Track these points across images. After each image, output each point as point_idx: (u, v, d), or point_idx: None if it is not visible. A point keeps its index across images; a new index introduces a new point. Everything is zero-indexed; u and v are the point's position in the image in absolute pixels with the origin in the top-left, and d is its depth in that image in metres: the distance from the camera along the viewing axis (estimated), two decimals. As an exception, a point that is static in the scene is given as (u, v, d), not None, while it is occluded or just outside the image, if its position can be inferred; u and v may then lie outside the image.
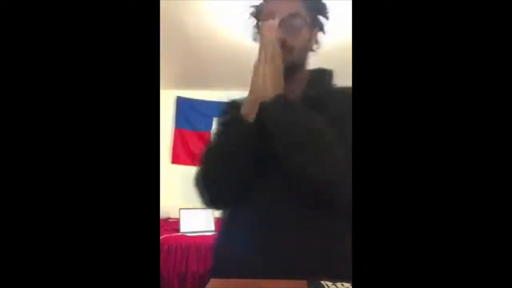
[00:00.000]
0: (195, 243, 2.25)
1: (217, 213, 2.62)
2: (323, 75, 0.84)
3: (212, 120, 3.35)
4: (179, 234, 2.43)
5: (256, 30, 0.84)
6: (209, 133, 3.31)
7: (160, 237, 2.23)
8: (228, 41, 2.51)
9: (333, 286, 0.61)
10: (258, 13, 0.82)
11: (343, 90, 0.80)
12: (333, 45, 2.56)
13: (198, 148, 3.26)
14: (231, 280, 0.68)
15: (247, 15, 0.85)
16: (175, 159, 3.24)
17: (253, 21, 0.85)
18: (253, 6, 0.84)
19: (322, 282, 0.62)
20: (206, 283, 0.64)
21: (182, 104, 3.40)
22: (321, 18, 0.81)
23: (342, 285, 0.61)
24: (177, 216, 2.58)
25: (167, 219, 2.83)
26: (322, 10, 0.81)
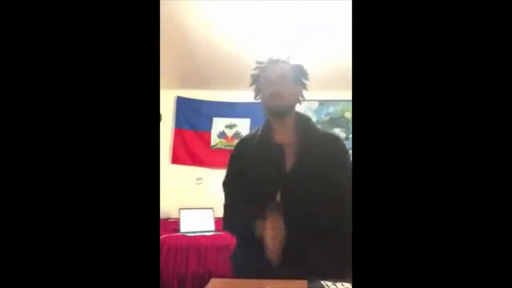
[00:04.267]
0: (195, 243, 2.25)
1: (217, 214, 2.63)
2: (307, 120, 1.11)
3: (212, 120, 3.35)
4: (179, 234, 2.43)
5: (256, 92, 1.12)
6: (209, 133, 3.30)
7: (160, 237, 2.22)
8: (228, 41, 2.51)
9: (333, 286, 0.61)
10: (256, 80, 1.11)
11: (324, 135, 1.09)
12: (333, 47, 2.56)
13: (198, 148, 3.25)
14: (231, 280, 0.68)
15: (250, 81, 1.12)
16: (175, 159, 3.23)
17: (254, 86, 1.12)
18: (251, 76, 1.11)
19: (322, 282, 0.63)
20: (206, 283, 0.64)
21: (182, 104, 3.39)
22: (303, 79, 1.10)
23: (342, 285, 0.61)
24: (177, 216, 2.58)
25: (167, 219, 2.82)
26: (303, 73, 1.09)
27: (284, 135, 1.06)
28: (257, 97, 1.11)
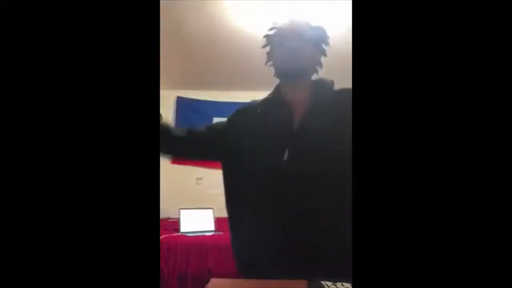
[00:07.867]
0: (195, 243, 2.25)
1: (217, 213, 2.63)
2: (324, 83, 0.98)
3: (212, 120, 3.35)
4: (179, 234, 2.43)
5: (268, 56, 0.99)
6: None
7: (160, 237, 2.22)
8: (228, 41, 2.51)
9: (333, 286, 0.61)
10: (270, 41, 0.99)
11: (343, 92, 0.92)
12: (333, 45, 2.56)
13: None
14: (231, 280, 0.68)
15: (262, 44, 1.00)
16: (175, 159, 3.24)
17: (267, 48, 1.00)
18: (265, 36, 1.00)
19: (322, 282, 0.62)
20: (206, 283, 0.64)
21: (182, 104, 3.40)
22: (323, 45, 0.98)
23: (342, 285, 0.61)
24: (177, 216, 2.58)
25: (167, 219, 2.83)
26: (324, 37, 0.98)
27: (297, 100, 0.92)
28: (269, 63, 0.98)
